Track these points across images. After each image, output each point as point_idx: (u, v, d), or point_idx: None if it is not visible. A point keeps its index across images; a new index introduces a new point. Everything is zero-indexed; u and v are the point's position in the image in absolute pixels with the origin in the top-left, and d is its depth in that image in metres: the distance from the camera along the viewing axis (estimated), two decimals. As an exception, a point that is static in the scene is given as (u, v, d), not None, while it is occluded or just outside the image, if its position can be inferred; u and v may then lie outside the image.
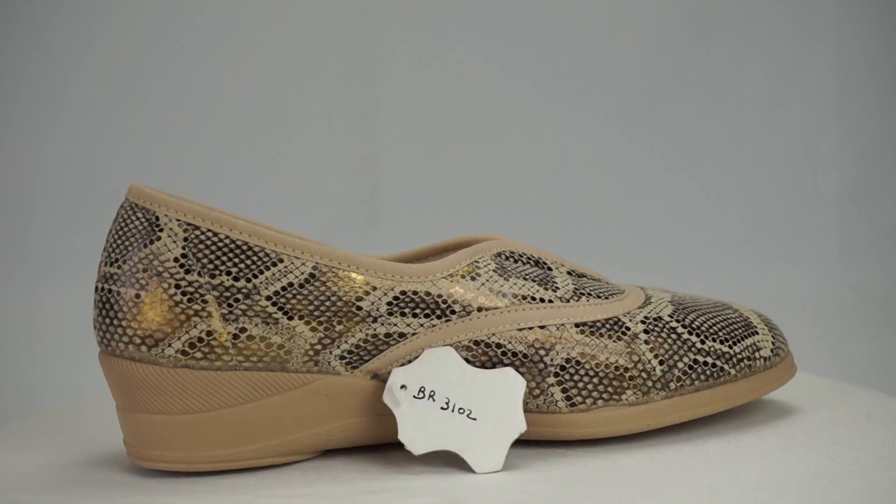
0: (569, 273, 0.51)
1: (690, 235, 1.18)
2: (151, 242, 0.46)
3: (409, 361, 0.47)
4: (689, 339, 0.49)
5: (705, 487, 0.43)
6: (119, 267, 0.46)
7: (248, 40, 1.17)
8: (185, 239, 0.46)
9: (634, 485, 0.43)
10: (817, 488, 0.42)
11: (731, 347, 0.50)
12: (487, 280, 0.48)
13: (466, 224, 1.14)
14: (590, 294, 0.50)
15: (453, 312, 0.47)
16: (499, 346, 0.47)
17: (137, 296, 0.45)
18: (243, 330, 0.46)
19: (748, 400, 0.50)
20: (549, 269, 0.50)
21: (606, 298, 0.50)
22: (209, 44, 1.17)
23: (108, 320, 0.45)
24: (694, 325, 0.49)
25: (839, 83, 1.21)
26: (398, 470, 0.46)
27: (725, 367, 0.49)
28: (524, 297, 0.48)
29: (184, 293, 0.45)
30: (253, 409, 0.46)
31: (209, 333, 0.45)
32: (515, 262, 0.50)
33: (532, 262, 0.50)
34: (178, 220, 0.47)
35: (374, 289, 0.47)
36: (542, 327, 0.47)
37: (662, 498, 0.42)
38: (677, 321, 0.49)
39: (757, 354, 0.50)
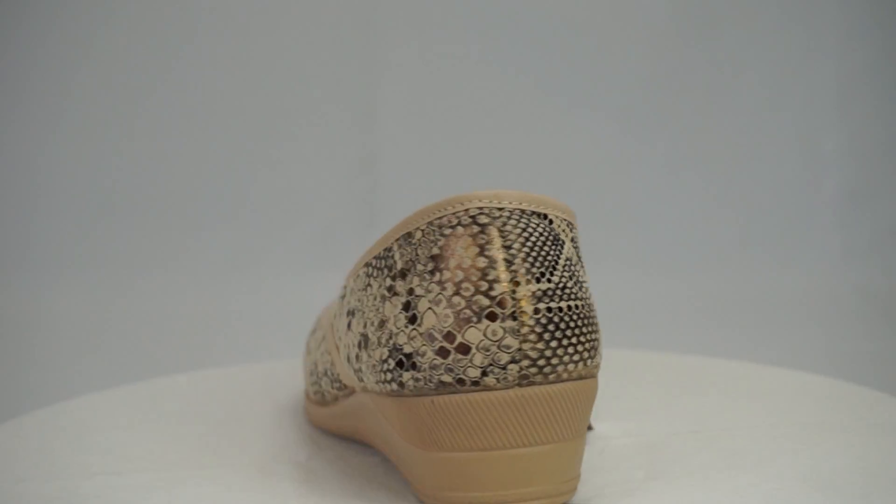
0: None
1: (691, 235, 1.18)
2: (562, 248, 0.41)
3: None
4: None
5: (699, 481, 0.43)
6: (549, 280, 0.40)
7: (248, 40, 1.17)
8: (573, 240, 0.42)
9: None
10: (815, 488, 0.42)
11: None
12: None
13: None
14: None
15: None
16: None
17: (577, 307, 0.40)
18: None
19: None
20: None
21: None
22: (209, 44, 1.17)
23: (554, 342, 0.39)
24: None
25: (839, 83, 1.21)
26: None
27: None
28: None
29: None
30: None
31: None
32: None
33: None
34: (565, 220, 0.42)
35: None
36: None
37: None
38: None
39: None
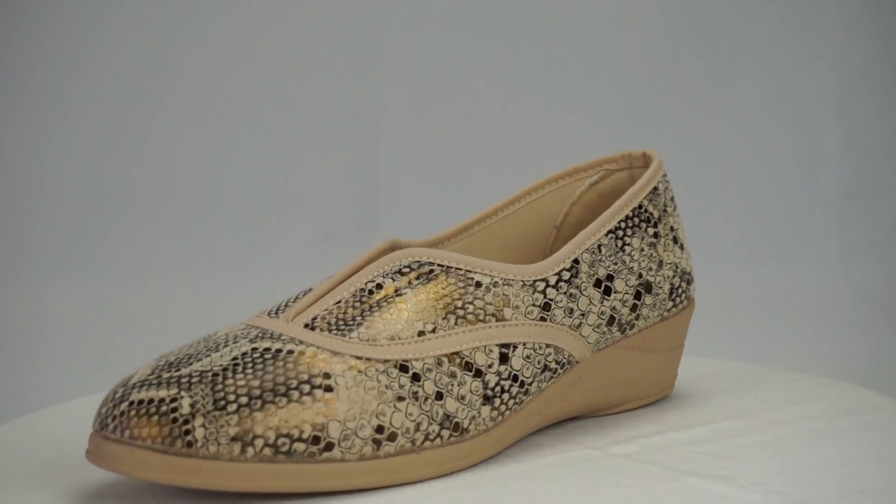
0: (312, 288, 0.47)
1: (690, 235, 1.18)
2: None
3: None
4: None
5: (698, 480, 0.43)
6: None
7: (248, 40, 1.17)
8: None
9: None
10: (813, 487, 0.42)
11: None
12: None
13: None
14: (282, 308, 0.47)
15: None
16: None
17: None
18: None
19: None
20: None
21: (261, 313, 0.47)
22: (210, 44, 1.17)
23: None
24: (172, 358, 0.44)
25: (838, 82, 1.21)
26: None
27: None
28: None
29: None
30: None
31: None
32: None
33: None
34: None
35: None
36: None
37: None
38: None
39: None
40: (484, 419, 0.45)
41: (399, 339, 0.44)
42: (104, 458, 0.41)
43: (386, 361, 0.43)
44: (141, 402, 0.41)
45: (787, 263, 1.17)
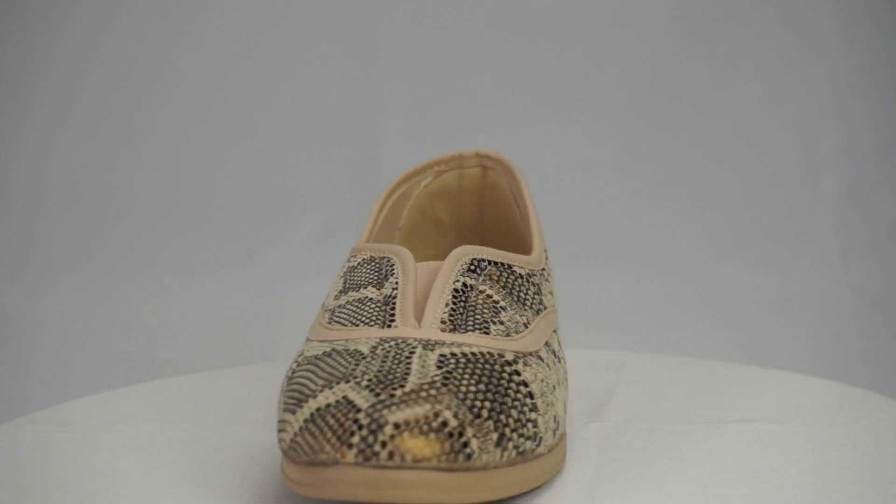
0: (385, 297, 0.45)
1: (690, 235, 1.18)
2: None
3: None
4: (283, 385, 0.43)
5: (698, 479, 0.43)
6: None
7: (248, 40, 1.17)
8: None
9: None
10: (812, 488, 0.42)
11: (278, 412, 0.42)
12: (339, 275, 0.49)
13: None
14: (334, 318, 0.45)
15: None
16: None
17: None
18: None
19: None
20: (380, 286, 0.46)
21: (339, 324, 0.45)
22: (210, 43, 1.17)
23: None
24: (292, 375, 0.43)
25: (839, 83, 1.21)
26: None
27: (277, 433, 0.43)
28: (325, 301, 0.48)
29: None
30: None
31: None
32: (375, 268, 0.47)
33: (381, 274, 0.46)
34: None
35: None
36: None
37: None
38: (296, 363, 0.44)
39: (280, 435, 0.41)
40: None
41: (517, 332, 0.44)
42: (385, 487, 0.37)
43: (530, 354, 0.44)
44: (406, 422, 0.38)
45: (787, 263, 1.17)
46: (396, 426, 0.37)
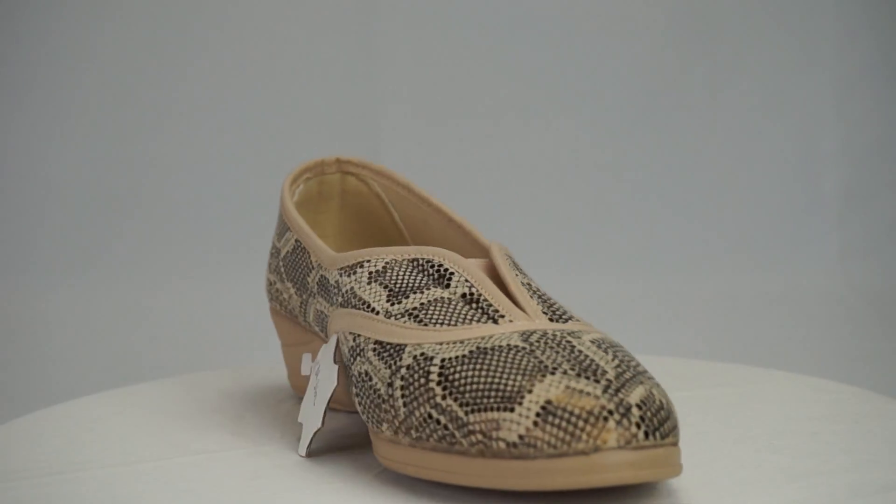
0: (462, 295, 0.46)
1: (690, 235, 1.18)
2: None
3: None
4: (432, 389, 0.42)
5: (694, 479, 0.43)
6: None
7: (249, 41, 1.17)
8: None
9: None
10: (811, 488, 0.43)
11: (466, 414, 0.41)
12: (356, 280, 0.48)
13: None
14: (418, 318, 0.45)
15: (336, 303, 0.49)
16: (342, 342, 0.48)
17: None
18: (273, 282, 0.56)
19: (480, 485, 0.40)
20: (446, 286, 0.46)
21: (426, 325, 0.45)
22: (210, 43, 1.17)
23: None
24: (452, 377, 0.42)
25: (839, 83, 1.21)
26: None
27: (456, 434, 0.41)
28: (364, 303, 0.47)
29: (273, 247, 0.56)
30: (293, 352, 0.56)
31: (268, 280, 0.57)
32: (420, 270, 0.47)
33: (434, 275, 0.47)
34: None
35: (313, 268, 0.52)
36: (357, 336, 0.46)
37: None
38: (442, 367, 0.42)
39: (495, 434, 0.40)
40: None
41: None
42: (646, 467, 0.39)
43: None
44: (643, 403, 0.39)
45: (787, 263, 1.17)
46: (639, 407, 0.39)
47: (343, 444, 0.50)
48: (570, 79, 1.19)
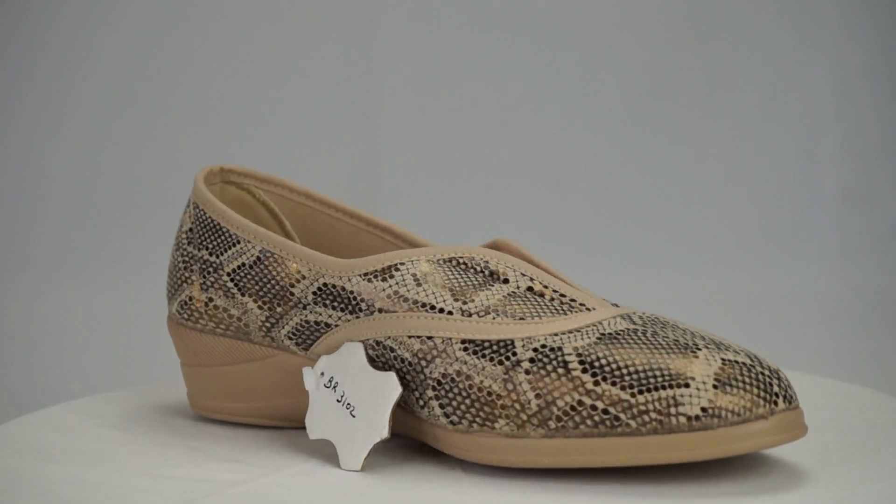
0: (528, 289, 0.47)
1: (690, 235, 1.18)
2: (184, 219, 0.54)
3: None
4: (578, 378, 0.43)
5: (695, 479, 0.43)
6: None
7: (249, 41, 1.17)
8: (195, 216, 0.53)
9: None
10: (811, 487, 0.43)
11: (633, 396, 0.42)
12: (398, 283, 0.47)
13: (467, 223, 1.14)
14: (505, 313, 0.46)
15: (360, 310, 0.48)
16: (392, 349, 0.47)
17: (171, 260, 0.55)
18: (211, 299, 0.52)
19: (660, 461, 0.42)
20: (505, 281, 0.47)
21: (522, 319, 0.45)
22: (211, 45, 1.17)
23: None
24: (597, 363, 0.43)
25: (839, 83, 1.21)
26: (288, 449, 0.49)
27: (622, 416, 0.42)
28: (424, 305, 0.46)
29: (183, 261, 0.53)
30: (232, 371, 0.52)
31: (190, 298, 0.53)
32: (465, 269, 0.47)
33: (485, 272, 0.47)
34: (194, 201, 0.54)
35: (304, 277, 0.49)
36: (429, 338, 0.46)
37: None
38: (578, 355, 0.43)
39: (674, 410, 0.42)
40: None
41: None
42: (795, 427, 0.43)
43: None
44: (776, 371, 0.43)
45: (787, 264, 1.17)
46: (778, 374, 0.43)
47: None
48: (571, 79, 1.19)
